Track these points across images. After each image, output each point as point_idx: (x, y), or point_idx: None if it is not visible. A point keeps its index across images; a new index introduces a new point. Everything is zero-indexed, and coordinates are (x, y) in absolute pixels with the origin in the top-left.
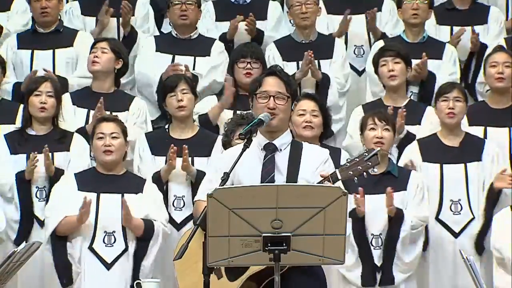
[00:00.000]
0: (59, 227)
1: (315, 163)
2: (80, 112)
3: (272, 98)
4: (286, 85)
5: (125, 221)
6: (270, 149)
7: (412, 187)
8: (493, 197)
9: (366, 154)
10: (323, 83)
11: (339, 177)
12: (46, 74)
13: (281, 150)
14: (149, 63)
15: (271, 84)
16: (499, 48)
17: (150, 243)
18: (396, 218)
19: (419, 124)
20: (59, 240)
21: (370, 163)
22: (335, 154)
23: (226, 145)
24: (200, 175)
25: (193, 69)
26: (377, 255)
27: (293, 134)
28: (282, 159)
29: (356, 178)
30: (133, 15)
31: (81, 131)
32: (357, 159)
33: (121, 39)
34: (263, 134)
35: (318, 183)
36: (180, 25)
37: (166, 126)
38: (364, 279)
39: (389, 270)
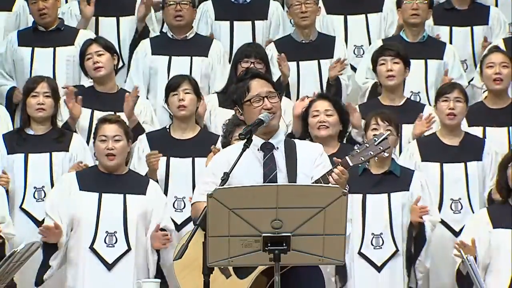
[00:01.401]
0: None
1: (312, 156)
2: (84, 112)
3: (265, 99)
4: (271, 83)
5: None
6: (268, 148)
7: (416, 187)
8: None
9: (376, 139)
10: (337, 83)
11: (350, 163)
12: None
13: (277, 148)
14: (139, 73)
15: (259, 85)
16: (495, 49)
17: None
18: (421, 225)
19: None
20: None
21: (381, 147)
22: None
23: (225, 146)
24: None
25: (190, 68)
26: (377, 255)
27: (311, 137)
28: (279, 157)
29: (367, 163)
30: (133, 14)
31: (66, 126)
32: (367, 145)
33: (120, 39)
34: (259, 135)
35: (320, 178)
36: (175, 26)
37: (167, 126)
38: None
39: (413, 274)
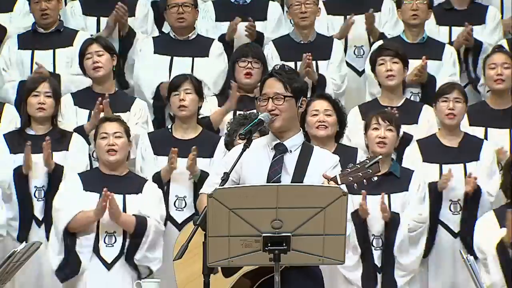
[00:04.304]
0: (73, 222)
1: (324, 167)
2: (81, 113)
3: (270, 100)
4: (284, 85)
5: (112, 216)
6: (279, 150)
7: (414, 187)
8: (472, 201)
9: (368, 161)
10: (319, 85)
11: (339, 182)
12: (39, 69)
13: (291, 151)
14: (147, 70)
15: (269, 85)
16: (497, 49)
17: (142, 240)
18: (391, 223)
19: (416, 123)
20: (71, 235)
21: (370, 171)
22: (352, 153)
23: (229, 145)
24: (204, 176)
25: (192, 69)
26: (377, 256)
27: (308, 136)
28: (290, 160)
29: (355, 185)
30: (133, 15)
31: (79, 130)
32: (358, 166)
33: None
34: (274, 134)
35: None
36: (177, 28)
37: (169, 126)
38: (364, 280)
39: (390, 273)
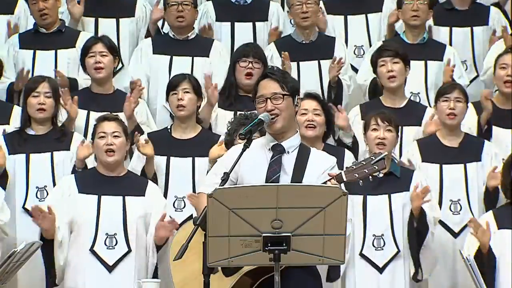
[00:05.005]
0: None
1: (322, 168)
2: (79, 113)
3: (268, 100)
4: (281, 84)
5: (162, 241)
6: (277, 150)
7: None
8: (491, 198)
9: (373, 158)
10: (339, 86)
11: (344, 178)
12: (57, 74)
13: (288, 152)
14: (140, 71)
15: (265, 86)
16: (510, 49)
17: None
18: (421, 215)
19: (420, 125)
20: (46, 242)
21: (376, 167)
22: (338, 154)
23: (229, 144)
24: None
25: (192, 69)
26: (379, 256)
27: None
28: (288, 161)
29: (361, 181)
30: (133, 16)
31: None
32: (364, 162)
33: (120, 40)
34: (271, 134)
35: (322, 183)
36: (176, 27)
37: (169, 126)
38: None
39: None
